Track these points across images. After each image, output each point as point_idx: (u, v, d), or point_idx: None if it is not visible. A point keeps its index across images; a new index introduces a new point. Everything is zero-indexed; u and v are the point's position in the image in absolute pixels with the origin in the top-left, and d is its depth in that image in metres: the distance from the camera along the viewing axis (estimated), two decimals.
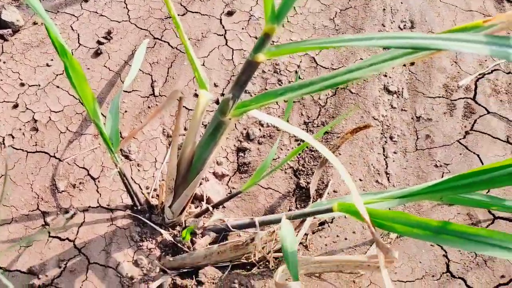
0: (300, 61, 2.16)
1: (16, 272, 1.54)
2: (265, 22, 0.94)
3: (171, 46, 2.15)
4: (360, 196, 0.99)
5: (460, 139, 2.00)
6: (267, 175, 1.51)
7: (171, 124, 1.92)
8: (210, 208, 1.63)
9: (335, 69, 2.14)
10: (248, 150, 1.90)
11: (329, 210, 1.24)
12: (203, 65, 2.11)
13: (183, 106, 1.97)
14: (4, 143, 1.79)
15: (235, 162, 1.88)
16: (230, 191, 1.81)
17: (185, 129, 1.92)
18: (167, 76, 2.06)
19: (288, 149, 1.92)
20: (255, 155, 1.89)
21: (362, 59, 2.19)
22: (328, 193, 1.79)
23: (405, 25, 2.35)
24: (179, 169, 1.38)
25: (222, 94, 2.02)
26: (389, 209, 1.64)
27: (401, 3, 2.44)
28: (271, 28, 0.94)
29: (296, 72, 2.11)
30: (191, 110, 1.96)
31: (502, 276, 1.67)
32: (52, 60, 2.04)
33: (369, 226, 0.93)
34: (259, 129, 1.94)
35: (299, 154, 1.91)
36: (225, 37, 2.21)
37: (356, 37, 0.88)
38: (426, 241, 1.04)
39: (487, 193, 1.80)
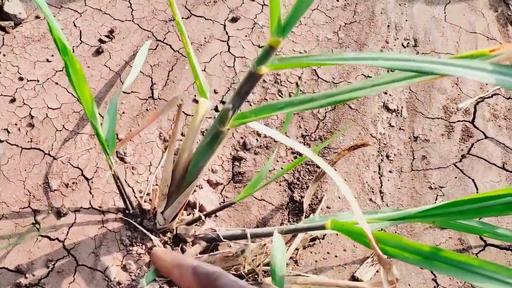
0: (302, 73, 2.15)
1: (3, 270, 1.51)
2: (270, 34, 0.93)
3: (173, 49, 2.14)
4: (363, 215, 0.99)
5: (456, 162, 1.99)
6: (262, 187, 1.50)
7: (168, 128, 1.91)
8: (202, 217, 1.62)
9: (336, 83, 2.13)
10: (244, 160, 1.88)
11: (322, 227, 1.23)
12: (204, 70, 2.10)
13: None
14: None
15: (230, 171, 1.87)
16: (224, 200, 1.80)
17: (182, 134, 1.90)
18: (167, 79, 2.05)
19: (284, 161, 1.91)
20: (250, 165, 1.88)
21: (364, 74, 2.18)
22: (321, 209, 1.78)
23: (408, 43, 2.35)
24: (174, 176, 1.37)
25: (222, 101, 2.01)
26: (381, 229, 1.64)
27: (406, 20, 2.44)
28: (276, 41, 0.93)
29: (297, 84, 2.10)
30: (189, 115, 1.95)
31: None
32: (52, 56, 2.03)
33: (373, 245, 0.93)
34: (256, 139, 1.93)
35: (294, 167, 1.90)
36: (228, 44, 2.20)
37: (361, 55, 0.86)
38: (417, 266, 1.02)
39: (479, 219, 1.79)
